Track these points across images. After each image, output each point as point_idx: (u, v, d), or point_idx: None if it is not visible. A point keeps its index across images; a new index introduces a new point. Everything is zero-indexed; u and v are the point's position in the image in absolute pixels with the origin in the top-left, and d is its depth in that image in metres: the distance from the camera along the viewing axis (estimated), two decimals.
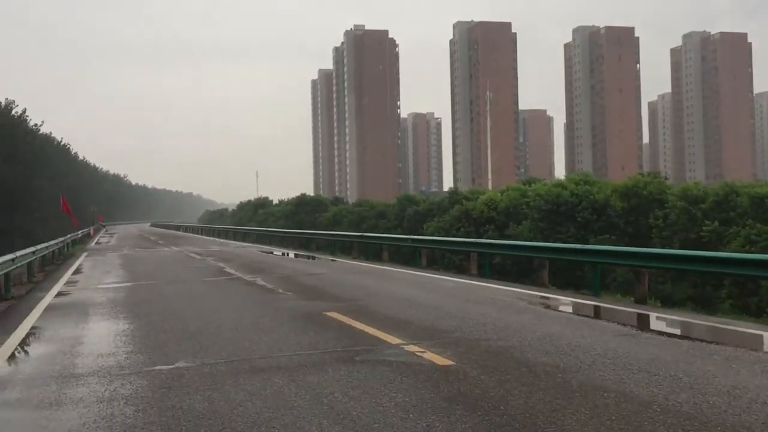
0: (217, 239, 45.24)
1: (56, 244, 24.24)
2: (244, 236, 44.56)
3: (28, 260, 16.67)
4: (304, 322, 8.39)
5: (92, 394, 5.27)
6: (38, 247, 18.72)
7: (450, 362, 5.85)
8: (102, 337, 7.92)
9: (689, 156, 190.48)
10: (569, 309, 9.45)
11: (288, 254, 25.60)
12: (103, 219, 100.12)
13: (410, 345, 6.68)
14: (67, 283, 15.35)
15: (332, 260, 20.98)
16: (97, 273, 18.06)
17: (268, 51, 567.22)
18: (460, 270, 17.61)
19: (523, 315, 8.60)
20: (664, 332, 7.63)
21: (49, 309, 10.69)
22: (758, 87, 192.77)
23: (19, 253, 15.76)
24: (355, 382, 5.30)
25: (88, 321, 9.22)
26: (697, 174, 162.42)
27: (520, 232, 36.35)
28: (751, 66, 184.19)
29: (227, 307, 9.94)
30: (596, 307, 9.52)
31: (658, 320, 8.54)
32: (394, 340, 6.97)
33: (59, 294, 12.90)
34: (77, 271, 18.95)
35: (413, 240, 18.01)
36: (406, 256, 27.93)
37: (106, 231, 78.85)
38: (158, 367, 6.10)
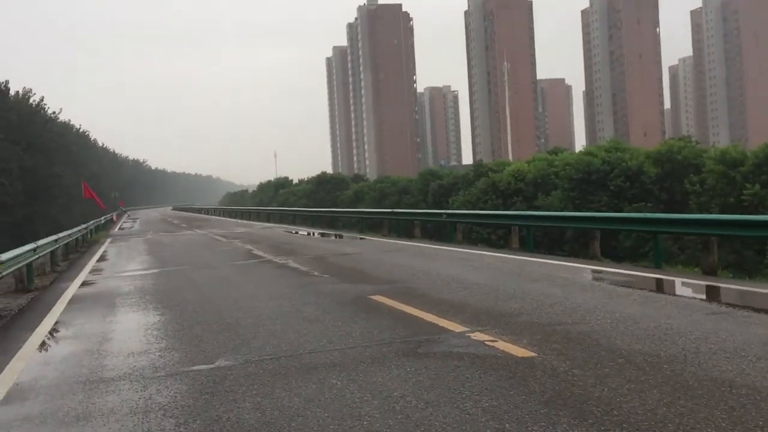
0: (240, 221, 44.73)
1: (79, 231, 23.79)
2: (268, 217, 44.02)
3: (51, 249, 16.12)
4: (350, 308, 7.65)
5: (124, 403, 4.57)
6: (60, 235, 18.18)
7: (530, 353, 5.08)
8: (132, 332, 7.25)
9: (712, 120, 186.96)
10: (638, 284, 8.62)
11: (314, 234, 24.93)
12: (124, 204, 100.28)
13: (476, 332, 5.92)
14: (92, 271, 14.78)
15: (362, 239, 20.25)
16: (122, 260, 17.50)
17: (281, 30, 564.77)
18: (499, 245, 16.85)
19: (590, 293, 7.80)
20: (762, 309, 6.78)
21: (73, 301, 10.07)
22: None
23: (41, 242, 15.20)
24: (426, 381, 4.55)
25: (116, 313, 8.57)
26: (721, 138, 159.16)
27: (550, 203, 35.37)
28: None
29: (263, 294, 9.24)
30: (667, 282, 8.69)
31: (744, 294, 7.69)
32: (456, 326, 6.21)
33: (84, 284, 12.31)
34: (102, 258, 18.41)
35: (448, 215, 17.17)
36: (438, 232, 27.17)
37: (129, 216, 78.89)
38: (197, 367, 5.41)
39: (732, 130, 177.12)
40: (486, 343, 5.50)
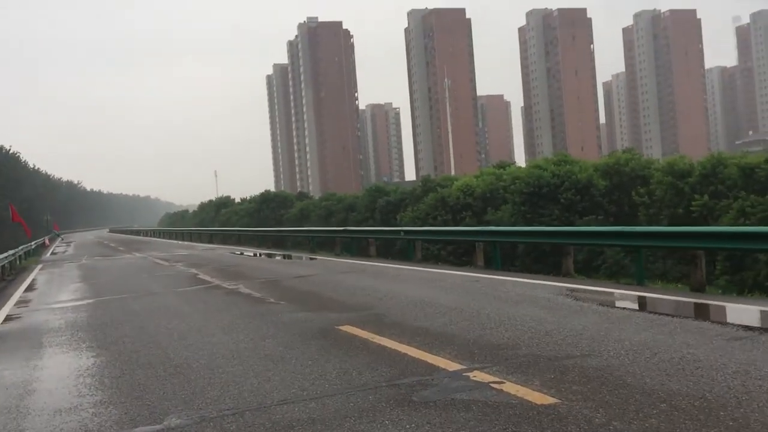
0: (181, 242, 43.05)
1: (5, 258, 21.92)
2: (210, 237, 42.44)
3: None
4: (317, 342, 6.68)
5: None
6: None
7: (550, 399, 4.24)
8: (60, 380, 6.09)
9: (645, 134, 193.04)
10: (633, 305, 7.94)
11: (262, 255, 23.77)
12: (58, 228, 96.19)
13: (475, 371, 5.05)
14: (18, 303, 13.31)
15: (314, 258, 19.26)
16: (53, 288, 16.00)
17: (220, 48, 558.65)
18: (460, 263, 16.13)
19: (584, 317, 7.04)
20: None
21: None
22: (708, 63, 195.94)
23: None
24: None
25: (42, 355, 7.36)
26: (654, 151, 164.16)
27: (500, 218, 34.98)
28: (701, 42, 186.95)
29: (214, 326, 8.17)
30: (661, 302, 8.02)
31: (752, 315, 7.07)
32: (448, 363, 5.33)
33: (7, 319, 10.92)
34: (30, 288, 16.85)
35: (406, 232, 16.35)
36: (393, 251, 26.34)
37: (62, 240, 75.47)
38: (141, 430, 4.36)
39: (664, 143, 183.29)
40: (491, 385, 4.63)
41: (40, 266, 26.71)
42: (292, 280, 12.95)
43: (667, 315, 6.99)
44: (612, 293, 8.80)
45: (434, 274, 12.47)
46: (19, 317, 11.01)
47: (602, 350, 5.45)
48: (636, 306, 7.78)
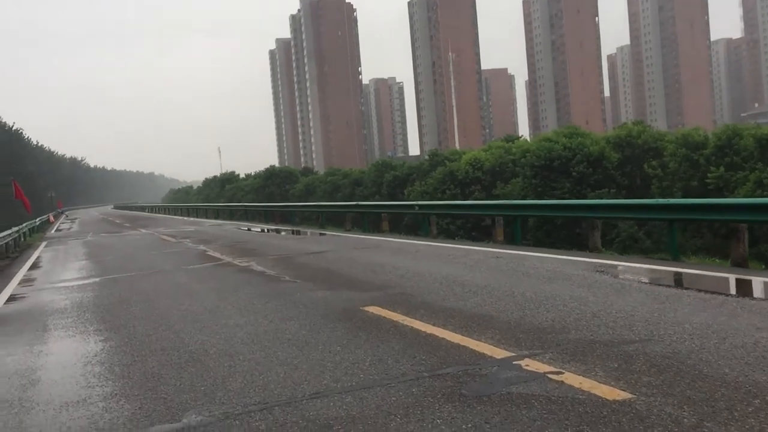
0: (187, 218, 42.58)
1: (8, 235, 21.47)
2: (217, 213, 41.96)
3: None
4: (344, 325, 6.19)
5: None
6: None
7: (622, 393, 3.73)
8: (67, 368, 5.61)
9: (650, 106, 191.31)
10: (674, 282, 7.42)
11: (271, 230, 23.28)
12: (62, 205, 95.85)
13: (525, 359, 4.55)
14: (22, 282, 12.87)
15: (324, 234, 18.75)
16: (58, 266, 15.55)
17: (223, 24, 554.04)
18: (477, 238, 15.60)
19: (629, 296, 6.53)
20: None
21: None
22: (714, 35, 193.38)
23: None
24: None
25: (47, 340, 6.89)
26: (659, 124, 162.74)
27: (509, 192, 34.45)
28: (707, 14, 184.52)
29: (230, 307, 7.69)
30: (706, 278, 7.52)
31: None
32: (493, 350, 4.83)
33: (11, 299, 10.46)
34: (35, 266, 16.40)
35: (420, 206, 15.78)
36: (402, 226, 25.84)
37: (67, 217, 75.18)
38: (157, 429, 3.89)
39: (669, 116, 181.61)
40: (549, 376, 4.13)
41: (44, 243, 26.29)
42: (305, 257, 12.45)
43: (720, 293, 6.47)
44: (651, 270, 8.28)
45: (454, 249, 11.94)
46: (23, 297, 10.55)
47: (662, 334, 4.93)
48: (682, 284, 7.26)
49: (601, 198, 28.12)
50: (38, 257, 19.16)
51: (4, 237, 19.97)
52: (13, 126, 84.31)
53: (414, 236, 16.84)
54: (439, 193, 38.17)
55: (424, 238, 15.29)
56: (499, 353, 4.74)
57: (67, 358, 6.00)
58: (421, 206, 15.78)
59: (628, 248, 26.13)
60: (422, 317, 6.16)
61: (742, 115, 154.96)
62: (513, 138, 52.28)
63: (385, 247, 13.34)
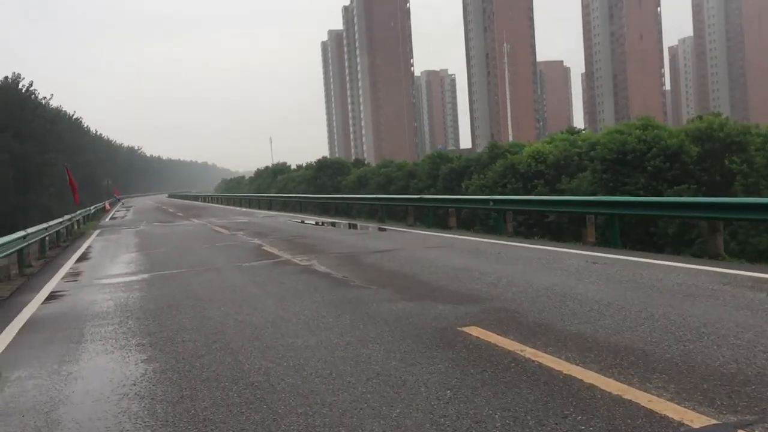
0: (239, 209, 41.93)
1: (59, 223, 20.77)
2: (270, 204, 41.15)
3: (18, 247, 13.25)
4: (445, 354, 4.82)
5: None
6: (32, 230, 15.24)
7: None
8: (96, 402, 4.38)
9: (714, 101, 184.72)
10: None
11: (326, 224, 22.09)
12: (119, 192, 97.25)
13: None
14: (67, 275, 11.92)
15: (385, 230, 17.45)
16: (106, 259, 14.62)
17: (276, 15, 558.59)
18: (558, 236, 14.10)
19: None
20: None
21: (27, 328, 7.22)
22: None
23: (4, 239, 12.38)
24: None
25: (80, 356, 5.72)
26: None
27: (576, 187, 32.53)
28: None
29: (295, 319, 6.42)
30: None
31: None
32: (676, 411, 3.40)
33: (51, 296, 9.44)
34: (83, 257, 15.54)
35: (495, 201, 14.28)
36: (473, 222, 24.36)
37: (123, 204, 75.88)
38: None
39: (734, 111, 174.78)
40: None
41: (97, 232, 25.72)
42: (372, 256, 11.15)
43: None
44: None
45: (541, 252, 10.46)
46: (64, 295, 9.51)
47: None
48: None
49: (681, 195, 26.12)
50: (89, 247, 18.39)
51: (54, 225, 19.25)
52: (73, 114, 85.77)
53: (484, 234, 15.39)
54: (499, 187, 36.46)
55: (498, 236, 13.81)
56: (692, 418, 3.31)
57: (99, 385, 4.80)
58: (495, 201, 14.27)
59: (704, 251, 24.14)
60: (546, 347, 4.77)
61: None
62: (573, 131, 50.14)
63: (460, 246, 11.93)
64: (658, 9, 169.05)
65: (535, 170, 36.24)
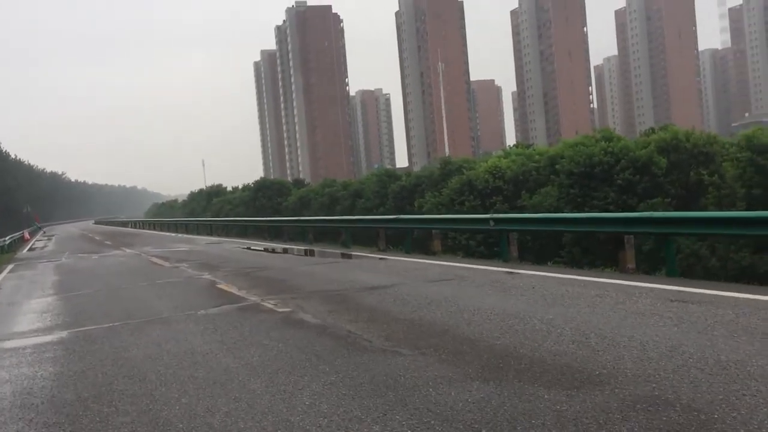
0: (175, 234, 38.57)
1: None
2: (210, 229, 37.96)
3: None
4: None
5: None
6: None
7: None
8: None
9: (639, 117, 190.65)
10: None
11: (283, 251, 19.40)
12: (39, 220, 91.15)
13: None
14: None
15: (358, 257, 14.95)
16: (14, 307, 11.50)
17: (207, 35, 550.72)
18: (576, 263, 11.93)
19: None
20: None
21: None
22: (701, 44, 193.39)
23: None
24: None
25: None
26: None
27: (539, 202, 30.81)
28: (695, 23, 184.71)
29: (312, 427, 3.87)
30: None
31: None
32: None
33: None
34: None
35: (496, 221, 11.92)
36: (458, 246, 22.09)
37: (44, 233, 70.60)
38: None
39: (657, 126, 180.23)
40: None
41: (10, 267, 22.21)
42: (368, 296, 8.63)
43: None
44: None
45: (585, 286, 8.14)
46: None
47: None
48: None
49: (656, 208, 24.61)
50: None
51: None
52: None
53: (483, 260, 13.09)
54: (456, 204, 34.46)
55: (504, 263, 11.50)
56: None
57: None
58: (496, 220, 11.91)
59: (691, 267, 22.62)
60: None
61: (733, 124, 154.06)
62: (523, 146, 48.86)
63: (471, 279, 9.53)
64: (585, 28, 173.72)
65: (493, 186, 34.44)
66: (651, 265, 15.75)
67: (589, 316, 6.30)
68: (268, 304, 8.54)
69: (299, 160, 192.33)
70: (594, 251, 25.81)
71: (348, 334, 6.34)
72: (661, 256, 13.58)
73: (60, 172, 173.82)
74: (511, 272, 9.95)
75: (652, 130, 37.79)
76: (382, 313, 7.27)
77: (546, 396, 4.01)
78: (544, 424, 3.56)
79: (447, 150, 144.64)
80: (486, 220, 12.31)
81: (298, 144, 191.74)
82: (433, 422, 3.74)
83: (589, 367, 4.56)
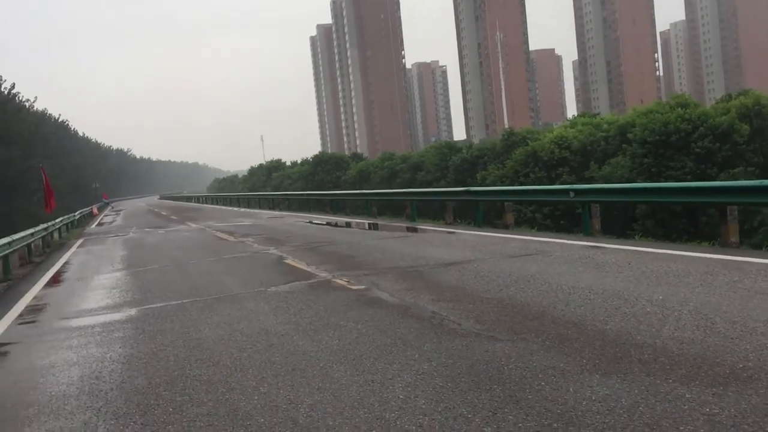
0: (237, 209, 38.75)
1: (30, 235, 17.34)
2: (272, 203, 38.02)
3: None
4: None
5: None
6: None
7: None
8: None
9: (708, 84, 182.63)
10: None
11: (346, 224, 19.00)
12: (107, 196, 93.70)
13: None
14: (25, 312, 8.74)
15: (426, 230, 14.40)
16: (82, 284, 11.36)
17: (263, 14, 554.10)
18: (668, 236, 11.13)
19: None
20: None
21: None
22: None
23: None
24: None
25: None
26: None
27: (609, 173, 29.58)
28: None
29: (415, 428, 3.36)
30: None
31: None
32: None
33: None
34: (55, 279, 12.38)
35: (577, 192, 11.14)
36: (523, 219, 21.35)
37: (112, 208, 72.53)
38: None
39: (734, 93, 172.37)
40: None
41: (80, 242, 22.53)
42: (445, 272, 8.08)
43: None
44: None
45: (690, 261, 7.40)
46: (7, 355, 6.38)
47: None
48: None
49: (737, 178, 23.17)
50: (65, 264, 15.22)
51: (23, 238, 16.00)
52: (59, 118, 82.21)
53: (561, 234, 12.38)
54: (521, 176, 33.50)
55: (587, 237, 10.77)
56: None
57: None
58: (578, 192, 11.14)
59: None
60: None
61: None
62: (588, 114, 47.16)
63: (555, 254, 8.87)
64: None
65: (559, 157, 33.29)
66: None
67: (706, 296, 5.59)
68: (340, 281, 8.08)
69: (356, 134, 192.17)
70: (666, 224, 24.61)
71: (432, 315, 5.81)
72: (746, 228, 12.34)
73: (126, 149, 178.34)
74: (598, 246, 9.22)
75: (730, 96, 35.73)
76: (466, 292, 6.69)
77: (687, 395, 3.38)
78: None
79: (506, 122, 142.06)
80: (565, 191, 11.54)
81: (355, 118, 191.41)
82: (555, 425, 3.17)
83: (728, 358, 3.90)
